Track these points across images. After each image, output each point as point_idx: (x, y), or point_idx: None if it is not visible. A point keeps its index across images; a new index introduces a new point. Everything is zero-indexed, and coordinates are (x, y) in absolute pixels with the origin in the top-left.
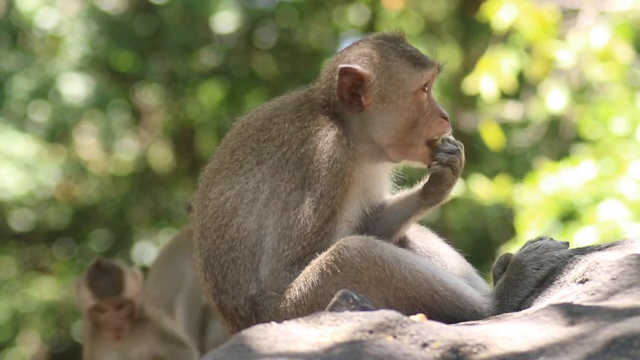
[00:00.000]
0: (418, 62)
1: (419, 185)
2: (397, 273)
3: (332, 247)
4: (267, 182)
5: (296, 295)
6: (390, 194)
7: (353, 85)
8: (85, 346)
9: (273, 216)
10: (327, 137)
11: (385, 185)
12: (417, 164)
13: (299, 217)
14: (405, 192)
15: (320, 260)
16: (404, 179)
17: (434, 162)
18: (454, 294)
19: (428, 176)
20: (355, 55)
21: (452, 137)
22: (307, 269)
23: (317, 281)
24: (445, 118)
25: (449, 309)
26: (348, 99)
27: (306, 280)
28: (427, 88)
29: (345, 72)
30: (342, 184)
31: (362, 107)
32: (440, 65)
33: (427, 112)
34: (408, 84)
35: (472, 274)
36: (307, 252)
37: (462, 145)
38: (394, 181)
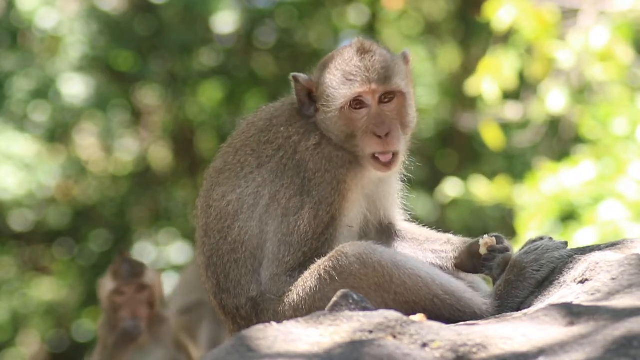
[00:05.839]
0: (348, 77)
1: (456, 242)
2: (396, 278)
3: (331, 254)
4: (267, 187)
5: (294, 299)
6: (422, 228)
7: (309, 91)
8: (99, 351)
9: (273, 222)
10: (313, 144)
11: (392, 189)
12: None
13: (299, 223)
14: (439, 240)
15: (318, 265)
16: (410, 181)
17: (484, 269)
18: (454, 297)
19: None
20: (322, 63)
21: (500, 245)
22: (306, 273)
23: (316, 287)
24: (381, 137)
25: (449, 312)
26: (303, 103)
27: (304, 286)
28: (363, 104)
29: (295, 79)
30: (338, 191)
31: (313, 114)
32: (377, 81)
33: (362, 128)
34: (336, 99)
35: (472, 275)
36: (308, 257)
37: (508, 249)
38: (404, 183)
